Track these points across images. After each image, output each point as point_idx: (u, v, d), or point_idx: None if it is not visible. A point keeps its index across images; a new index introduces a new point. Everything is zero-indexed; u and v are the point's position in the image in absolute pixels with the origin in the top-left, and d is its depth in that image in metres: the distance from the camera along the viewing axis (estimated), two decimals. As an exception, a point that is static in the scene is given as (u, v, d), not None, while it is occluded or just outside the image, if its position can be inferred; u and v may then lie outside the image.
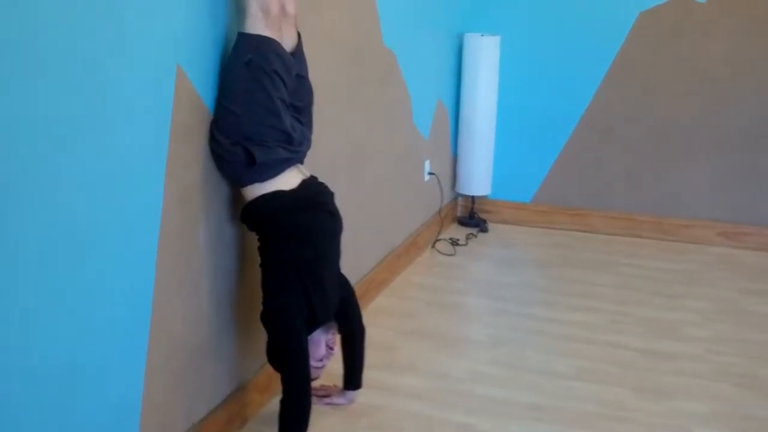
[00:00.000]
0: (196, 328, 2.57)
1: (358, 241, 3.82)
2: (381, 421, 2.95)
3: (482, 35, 4.97)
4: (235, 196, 2.67)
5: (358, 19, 3.61)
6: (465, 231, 5.08)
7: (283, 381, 2.57)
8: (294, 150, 2.58)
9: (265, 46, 2.45)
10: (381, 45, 3.86)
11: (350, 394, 3.04)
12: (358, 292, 3.75)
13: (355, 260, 3.80)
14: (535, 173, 5.23)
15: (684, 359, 3.49)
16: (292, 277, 2.58)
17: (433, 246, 4.79)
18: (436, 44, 4.70)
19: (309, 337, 2.67)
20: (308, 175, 2.70)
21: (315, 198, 2.65)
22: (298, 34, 2.71)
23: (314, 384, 3.03)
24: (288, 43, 2.64)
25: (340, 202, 3.52)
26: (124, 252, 2.21)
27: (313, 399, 2.96)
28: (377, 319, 3.77)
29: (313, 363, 2.70)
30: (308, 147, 2.74)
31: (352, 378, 3.02)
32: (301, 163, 2.71)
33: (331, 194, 2.75)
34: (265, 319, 2.58)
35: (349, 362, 3.01)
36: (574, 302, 4.07)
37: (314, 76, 3.08)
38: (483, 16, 5.12)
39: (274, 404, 2.95)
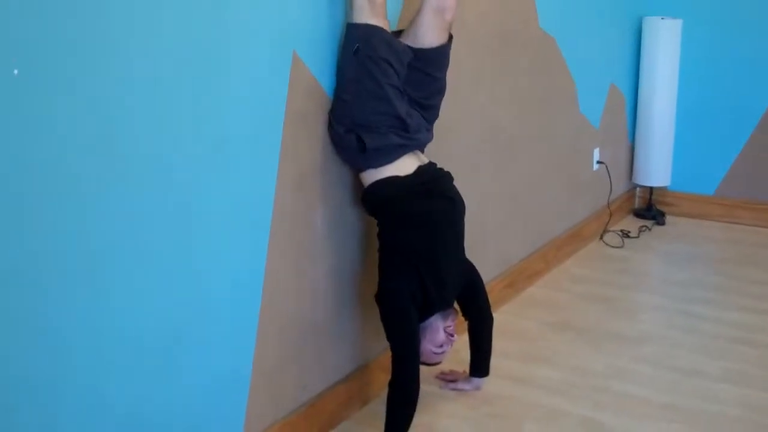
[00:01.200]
0: (312, 306, 2.68)
1: (506, 231, 3.79)
2: (502, 411, 2.93)
3: (663, 18, 4.74)
4: (357, 182, 2.75)
5: (509, 3, 3.56)
6: (639, 223, 4.87)
7: (392, 361, 2.62)
8: (409, 137, 2.61)
9: (371, 34, 2.50)
10: (536, 29, 3.79)
11: (476, 381, 3.03)
12: (505, 281, 3.76)
13: (503, 249, 3.78)
14: (718, 164, 4.92)
15: None
16: (406, 262, 2.62)
17: (600, 238, 4.64)
18: (609, 27, 4.53)
19: (427, 323, 2.70)
20: (426, 161, 2.72)
21: (431, 183, 2.66)
22: (450, 36, 2.73)
23: (443, 369, 3.09)
24: (433, 42, 2.67)
25: (485, 191, 3.54)
26: (235, 231, 2.35)
27: (440, 383, 3.03)
28: (524, 310, 3.74)
29: (432, 349, 2.72)
30: (429, 138, 2.75)
31: (479, 365, 3.01)
32: (421, 150, 2.73)
33: (449, 179, 2.76)
34: (378, 299, 2.64)
35: (476, 349, 3.00)
36: (743, 302, 3.81)
37: (456, 62, 3.10)
38: (664, -1, 4.88)
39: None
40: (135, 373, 2.12)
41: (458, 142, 3.33)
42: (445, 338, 2.74)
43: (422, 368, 2.99)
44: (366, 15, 2.49)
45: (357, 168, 2.65)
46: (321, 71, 2.56)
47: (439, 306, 2.72)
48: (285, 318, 2.58)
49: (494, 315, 3.52)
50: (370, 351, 2.96)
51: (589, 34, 4.29)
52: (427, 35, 2.63)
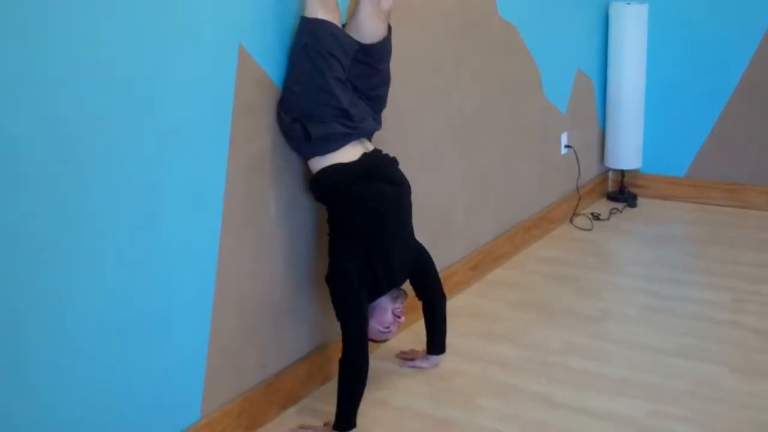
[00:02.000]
0: (269, 288, 2.78)
1: (472, 215, 3.88)
2: (457, 386, 3.02)
3: (628, 3, 4.81)
4: (307, 169, 2.84)
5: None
6: (611, 206, 4.95)
7: (342, 340, 2.71)
8: (354, 126, 2.70)
9: (320, 28, 2.58)
10: (496, 17, 3.87)
11: (434, 358, 3.13)
12: (471, 263, 3.86)
13: (469, 233, 3.87)
14: (688, 146, 4.99)
15: (803, 341, 3.27)
16: (353, 244, 2.72)
17: (570, 221, 4.72)
18: (574, 14, 4.61)
19: (375, 303, 2.80)
20: (371, 148, 2.80)
21: (375, 168, 2.75)
22: (389, 28, 2.81)
23: (403, 347, 3.19)
24: (374, 35, 2.75)
25: (449, 176, 3.63)
26: (187, 217, 2.45)
27: (399, 361, 3.12)
28: (489, 291, 3.83)
29: (379, 328, 2.82)
30: (375, 126, 2.84)
31: (434, 343, 3.10)
32: (368, 138, 2.82)
33: (394, 163, 2.84)
34: (328, 280, 2.74)
35: (431, 328, 3.09)
36: (706, 280, 3.90)
37: (416, 51, 3.19)
38: (631, -16, 4.95)
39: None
40: (94, 351, 2.23)
41: (419, 128, 3.42)
42: (392, 319, 2.83)
43: (383, 346, 3.10)
44: (315, 7, 2.58)
45: (304, 156, 2.74)
46: (269, 62, 2.65)
47: (388, 287, 2.81)
48: (241, 299, 2.68)
49: (459, 296, 3.63)
50: (328, 331, 3.05)
51: (553, 22, 4.37)
52: (368, 27, 2.71)
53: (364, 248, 2.71)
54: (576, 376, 3.09)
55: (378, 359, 3.13)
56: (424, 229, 3.22)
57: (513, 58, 4.06)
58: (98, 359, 2.25)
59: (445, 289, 3.16)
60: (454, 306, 3.45)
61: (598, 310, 3.64)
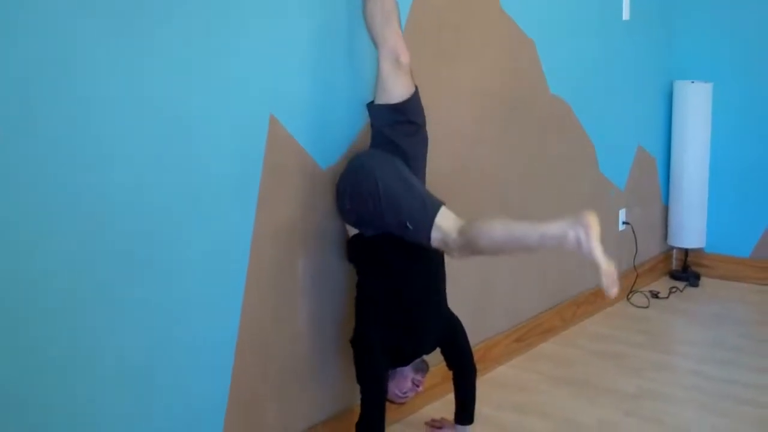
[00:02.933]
0: (292, 349, 2.86)
1: (518, 288, 3.90)
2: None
3: (693, 82, 4.82)
4: (338, 234, 2.95)
5: (517, 73, 3.74)
6: (671, 284, 4.87)
7: (361, 403, 2.76)
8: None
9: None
10: (547, 95, 3.94)
11: (461, 428, 3.12)
12: (514, 335, 3.87)
13: (514, 305, 3.88)
14: (754, 226, 4.90)
15: None
16: (378, 311, 2.79)
17: (627, 298, 4.67)
18: (636, 92, 4.64)
19: (397, 370, 2.85)
20: None
21: (410, 243, 2.79)
22: (416, 87, 2.90)
23: (434, 416, 3.21)
24: (402, 92, 2.83)
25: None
26: (213, 275, 2.57)
27: (428, 429, 3.14)
28: (532, 364, 3.82)
29: (397, 392, 2.87)
30: None
31: (462, 413, 3.10)
32: None
33: None
34: (352, 343, 2.81)
35: (459, 398, 3.09)
36: (758, 363, 3.79)
37: (460, 126, 3.31)
38: (694, 63, 4.94)
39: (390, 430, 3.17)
40: (114, 396, 2.34)
41: (462, 202, 3.48)
42: (411, 387, 2.88)
43: (416, 413, 3.15)
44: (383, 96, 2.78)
45: (346, 221, 2.85)
46: (298, 130, 2.78)
47: (412, 355, 2.86)
48: (262, 358, 2.76)
49: (500, 368, 3.64)
50: (352, 394, 3.09)
51: (611, 99, 4.41)
52: (394, 85, 2.79)
53: (389, 315, 2.77)
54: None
55: (408, 426, 3.17)
56: (464, 298, 3.28)
57: (564, 134, 4.11)
58: (118, 408, 2.36)
59: (486, 360, 3.18)
60: (493, 377, 3.47)
61: (639, 388, 3.57)
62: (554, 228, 2.52)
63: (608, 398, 3.48)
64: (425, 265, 2.87)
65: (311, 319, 2.92)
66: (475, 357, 3.30)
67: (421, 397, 3.27)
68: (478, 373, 3.12)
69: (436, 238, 2.66)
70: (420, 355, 2.91)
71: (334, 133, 2.94)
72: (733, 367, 3.76)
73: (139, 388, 2.41)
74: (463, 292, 3.41)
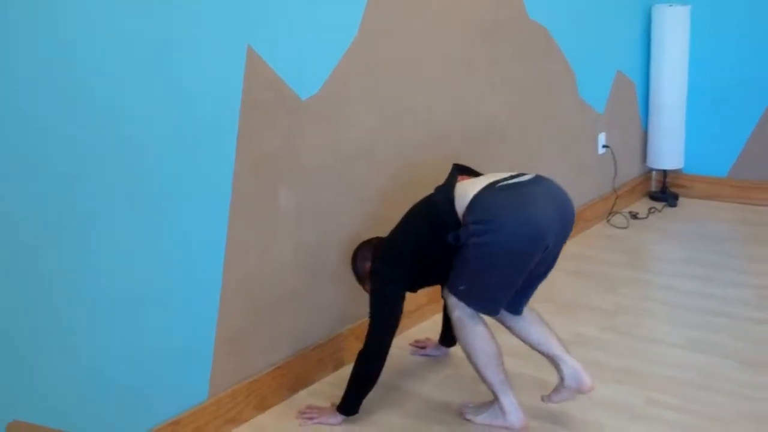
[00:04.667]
0: (280, 278, 2.96)
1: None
2: (464, 373, 3.13)
3: (671, 5, 4.85)
4: (320, 164, 3.03)
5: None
6: (651, 205, 4.98)
7: (367, 335, 2.80)
8: None
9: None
10: (525, 19, 3.97)
11: (444, 349, 3.27)
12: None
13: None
14: (731, 146, 5.00)
15: (816, 337, 3.28)
16: (416, 258, 2.78)
17: (607, 219, 4.78)
18: (614, 17, 4.68)
19: None
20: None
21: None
22: None
23: (419, 337, 3.34)
24: None
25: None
26: (196, 208, 2.65)
27: (411, 349, 3.27)
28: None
29: None
30: None
31: (447, 336, 3.23)
32: None
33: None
34: (373, 276, 2.83)
35: (446, 324, 3.21)
36: (731, 277, 3.92)
37: (445, 54, 3.39)
38: (672, -15, 4.98)
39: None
40: (102, 333, 2.45)
41: (442, 130, 3.57)
42: None
43: (400, 332, 3.24)
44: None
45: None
46: (276, 61, 2.82)
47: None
48: (249, 287, 2.87)
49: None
50: (344, 319, 3.22)
51: (589, 24, 4.45)
52: None
53: (424, 264, 2.80)
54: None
55: (395, 347, 3.29)
56: None
57: (544, 61, 4.16)
58: (104, 347, 2.47)
59: None
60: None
61: (614, 304, 3.70)
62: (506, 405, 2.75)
63: (586, 315, 3.61)
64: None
65: (296, 249, 3.01)
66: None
67: (409, 318, 3.39)
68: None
69: (451, 302, 2.73)
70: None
71: (314, 63, 2.98)
72: (708, 282, 3.89)
73: (127, 325, 2.52)
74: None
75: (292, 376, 3.05)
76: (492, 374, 2.76)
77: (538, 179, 2.75)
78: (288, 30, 2.86)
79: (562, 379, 2.78)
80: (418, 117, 3.44)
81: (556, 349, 2.81)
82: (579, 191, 4.58)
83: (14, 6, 2.12)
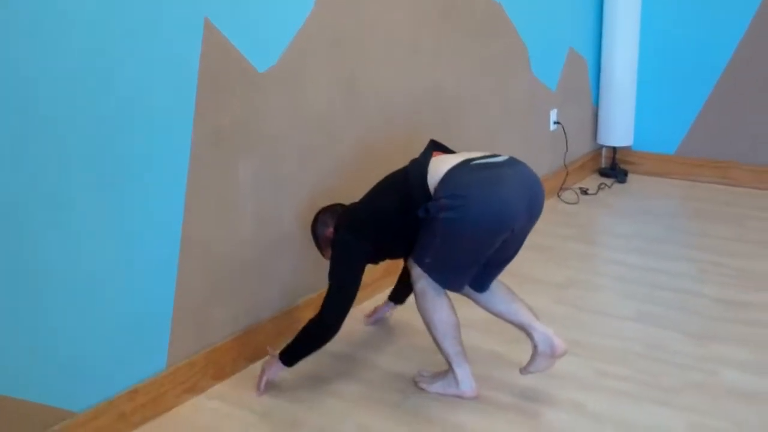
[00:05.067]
0: (236, 249, 2.97)
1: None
2: (417, 342, 3.20)
3: (622, -17, 4.93)
4: (280, 135, 3.04)
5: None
6: (601, 181, 5.08)
7: (324, 299, 2.81)
8: None
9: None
10: (479, -2, 4.02)
11: (392, 305, 3.35)
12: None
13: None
14: (679, 124, 5.11)
15: (756, 309, 3.39)
16: (379, 229, 2.81)
17: (557, 195, 4.86)
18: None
19: None
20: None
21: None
22: None
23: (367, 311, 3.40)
24: None
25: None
26: (152, 180, 2.65)
27: (366, 320, 3.32)
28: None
29: None
30: None
31: (398, 294, 3.30)
32: None
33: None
34: (337, 242, 2.85)
35: (400, 283, 3.28)
36: (677, 251, 4.03)
37: (395, 33, 3.44)
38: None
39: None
40: (60, 300, 2.45)
41: (398, 103, 3.60)
42: None
43: (357, 308, 3.30)
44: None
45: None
46: (235, 35, 2.82)
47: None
48: (207, 258, 2.88)
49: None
50: (300, 290, 3.25)
51: (542, 1, 4.50)
52: None
53: (382, 232, 2.82)
54: (523, 335, 3.24)
55: (351, 318, 3.34)
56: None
57: (497, 38, 4.20)
58: (67, 307, 2.47)
59: None
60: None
61: (563, 277, 3.79)
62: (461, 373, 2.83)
63: (538, 288, 3.69)
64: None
65: (254, 220, 3.03)
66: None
67: (364, 291, 3.42)
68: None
69: (416, 273, 2.75)
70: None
71: (271, 36, 2.98)
72: (655, 256, 3.99)
73: (83, 296, 2.52)
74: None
75: (251, 346, 3.07)
76: (449, 345, 2.81)
77: (512, 161, 2.79)
78: (245, 2, 2.85)
79: (535, 346, 2.82)
80: (375, 90, 3.47)
81: (525, 318, 2.85)
82: (531, 166, 4.65)
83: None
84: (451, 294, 2.84)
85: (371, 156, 3.46)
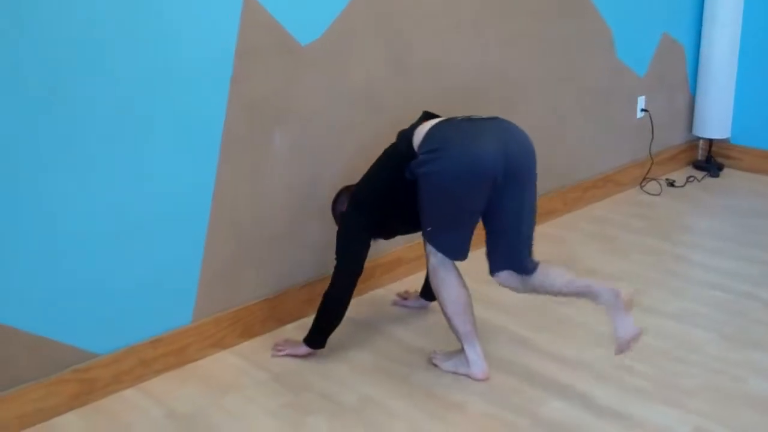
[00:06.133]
0: (269, 216, 3.10)
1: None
2: (442, 321, 3.21)
3: (727, -33, 4.70)
4: (313, 109, 3.13)
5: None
6: (690, 174, 4.89)
7: (333, 274, 2.92)
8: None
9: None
10: (555, -24, 3.95)
11: (423, 302, 3.36)
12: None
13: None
14: (781, 119, 4.84)
15: (808, 318, 3.23)
16: (380, 205, 2.88)
17: (641, 185, 4.72)
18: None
19: None
20: None
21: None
22: None
23: (399, 290, 3.46)
24: None
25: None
26: (185, 147, 2.81)
27: (395, 299, 3.37)
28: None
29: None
30: None
31: (428, 291, 3.30)
32: None
33: None
34: (342, 217, 2.96)
35: (428, 279, 3.29)
36: (747, 253, 3.86)
37: (454, 4, 3.46)
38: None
39: (371, 296, 3.43)
40: (90, 249, 2.66)
41: (449, 84, 3.61)
42: None
43: (385, 288, 3.36)
44: None
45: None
46: (275, 5, 2.92)
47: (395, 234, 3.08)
48: (237, 223, 3.01)
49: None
50: (332, 261, 3.32)
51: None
52: None
53: (382, 215, 2.89)
54: (559, 325, 3.22)
55: (390, 291, 3.43)
56: None
57: (572, 18, 4.11)
58: (96, 257, 2.68)
59: (478, 239, 3.35)
60: (479, 254, 3.63)
61: (618, 270, 3.70)
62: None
63: (589, 277, 3.60)
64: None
65: (288, 189, 3.13)
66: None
67: (394, 272, 3.51)
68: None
69: (426, 251, 2.83)
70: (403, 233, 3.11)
71: (316, 9, 3.06)
72: (722, 255, 3.83)
73: (113, 249, 2.72)
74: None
75: (282, 309, 3.20)
76: (459, 323, 2.84)
77: (495, 118, 2.79)
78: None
79: (603, 305, 2.69)
80: (423, 68, 3.48)
81: (582, 283, 2.77)
82: (612, 153, 4.56)
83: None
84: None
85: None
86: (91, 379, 2.73)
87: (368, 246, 2.91)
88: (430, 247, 2.81)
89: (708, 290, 3.48)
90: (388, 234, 3.03)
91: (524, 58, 3.93)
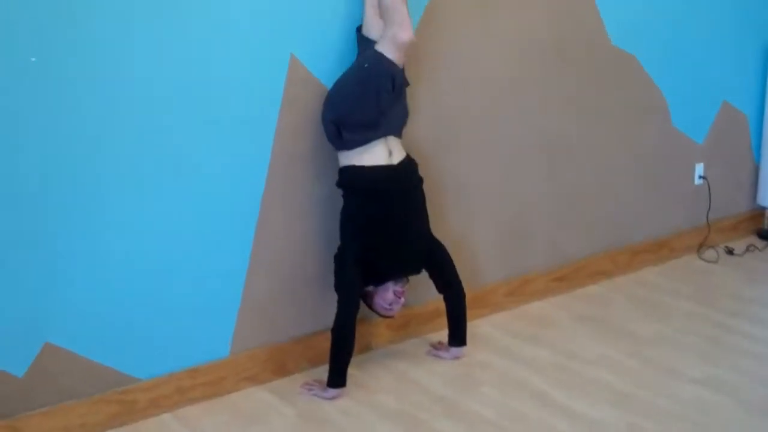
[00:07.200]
0: (306, 259, 3.31)
1: (561, 229, 4.11)
2: (474, 374, 3.35)
3: (792, 38, 4.72)
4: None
5: (570, 17, 3.93)
6: (751, 243, 4.86)
7: (336, 310, 3.15)
8: (380, 129, 3.15)
9: (386, 66, 3.06)
10: (606, 44, 4.07)
11: (454, 350, 3.47)
12: (555, 274, 4.10)
13: (555, 245, 4.11)
14: None
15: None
16: (360, 231, 3.17)
17: (698, 252, 4.72)
18: (721, 44, 4.59)
19: (381, 286, 3.25)
20: (395, 149, 3.19)
21: (390, 178, 3.18)
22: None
23: (433, 340, 3.59)
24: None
25: (534, 190, 3.96)
26: (231, 193, 3.09)
27: (429, 349, 3.51)
28: (567, 302, 4.04)
29: (383, 304, 3.27)
30: (404, 120, 3.29)
31: (455, 335, 3.44)
32: (397, 133, 3.23)
33: (411, 169, 3.27)
34: (335, 257, 3.22)
35: (450, 321, 3.44)
36: (793, 323, 3.83)
37: (500, 71, 3.69)
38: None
39: (406, 344, 3.59)
40: (138, 279, 2.94)
41: (499, 146, 3.80)
42: (394, 298, 3.24)
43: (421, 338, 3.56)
44: (390, 51, 3.06)
45: (335, 148, 3.20)
46: (318, 69, 3.18)
47: (389, 271, 3.24)
48: (277, 266, 3.24)
49: (536, 302, 3.96)
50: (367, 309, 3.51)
51: (689, 54, 4.43)
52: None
53: (369, 236, 3.16)
54: (583, 381, 3.29)
55: (411, 348, 3.59)
56: (497, 229, 3.78)
57: (625, 87, 4.21)
58: (143, 286, 2.96)
59: (519, 294, 3.53)
60: (525, 310, 3.77)
61: (654, 333, 3.73)
62: None
63: (621, 339, 3.67)
64: (406, 192, 3.21)
65: (321, 236, 3.33)
66: (508, 290, 3.78)
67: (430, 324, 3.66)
68: (510, 305, 3.62)
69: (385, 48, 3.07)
70: (401, 274, 3.28)
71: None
72: (764, 324, 3.81)
73: (159, 280, 2.99)
74: (496, 224, 3.82)
75: (315, 349, 3.36)
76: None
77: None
78: (333, 40, 3.21)
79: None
80: (469, 124, 3.67)
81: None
82: (667, 219, 4.59)
83: None
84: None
85: (460, 186, 3.67)
86: (131, 401, 2.98)
87: (357, 283, 3.15)
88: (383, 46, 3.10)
89: (740, 358, 3.48)
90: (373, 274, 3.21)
91: (576, 122, 4.05)
